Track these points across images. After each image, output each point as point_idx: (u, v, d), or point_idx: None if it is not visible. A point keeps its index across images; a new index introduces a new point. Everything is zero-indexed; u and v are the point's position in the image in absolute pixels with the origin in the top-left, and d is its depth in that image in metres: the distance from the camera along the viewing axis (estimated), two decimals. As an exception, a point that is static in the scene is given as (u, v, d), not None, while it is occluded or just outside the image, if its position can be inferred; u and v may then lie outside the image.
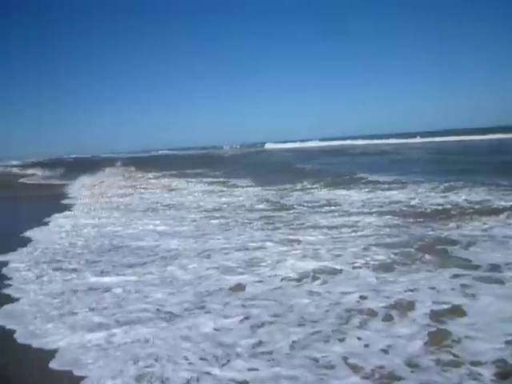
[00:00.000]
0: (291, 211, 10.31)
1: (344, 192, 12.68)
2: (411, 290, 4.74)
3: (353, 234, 7.58)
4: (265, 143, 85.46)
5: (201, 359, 3.45)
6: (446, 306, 4.25)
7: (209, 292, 5.05)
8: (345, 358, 3.39)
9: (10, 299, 5.03)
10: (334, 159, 30.79)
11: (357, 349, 3.53)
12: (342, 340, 3.69)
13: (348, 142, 68.60)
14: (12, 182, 26.36)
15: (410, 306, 4.35)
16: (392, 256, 6.06)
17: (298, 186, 14.81)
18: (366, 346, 3.58)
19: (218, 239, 7.65)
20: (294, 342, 3.67)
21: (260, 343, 3.68)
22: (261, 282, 5.33)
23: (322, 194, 12.89)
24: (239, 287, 5.19)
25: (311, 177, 16.26)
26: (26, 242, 8.08)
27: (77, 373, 3.37)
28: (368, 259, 6.01)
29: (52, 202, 14.64)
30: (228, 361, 3.41)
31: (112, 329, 4.06)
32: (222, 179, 19.89)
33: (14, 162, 74.51)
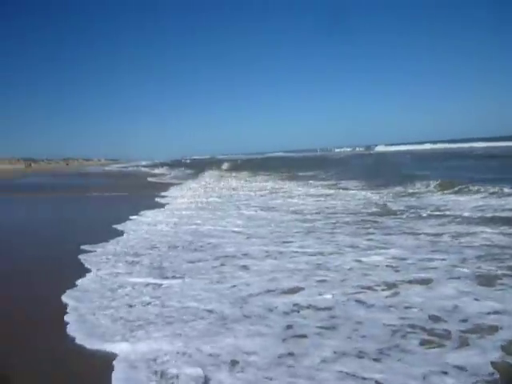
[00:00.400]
0: (394, 216, 9.76)
1: (454, 197, 11.72)
2: (499, 313, 4.06)
3: (456, 243, 6.90)
4: (376, 145, 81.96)
5: (218, 364, 3.30)
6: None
7: (259, 294, 4.86)
8: (371, 380, 3.00)
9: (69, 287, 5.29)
10: (450, 163, 28.33)
11: (392, 372, 3.09)
12: (378, 360, 3.27)
13: (468, 144, 62.39)
14: (141, 182, 28.59)
15: (487, 331, 3.71)
16: (497, 271, 5.31)
17: (408, 190, 13.97)
18: (405, 370, 3.11)
19: (297, 242, 7.40)
20: (326, 357, 3.34)
21: (289, 354, 3.40)
22: (321, 288, 4.98)
23: (432, 199, 12.02)
24: (294, 292, 4.91)
25: (422, 180, 15.15)
26: (116, 234, 8.68)
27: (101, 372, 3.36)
28: (465, 271, 5.35)
29: (156, 198, 15.55)
30: (243, 368, 3.22)
31: (136, 328, 4.05)
32: (331, 181, 19.56)
33: (143, 163, 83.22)
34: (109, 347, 3.64)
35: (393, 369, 3.12)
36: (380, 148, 76.00)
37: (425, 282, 5.04)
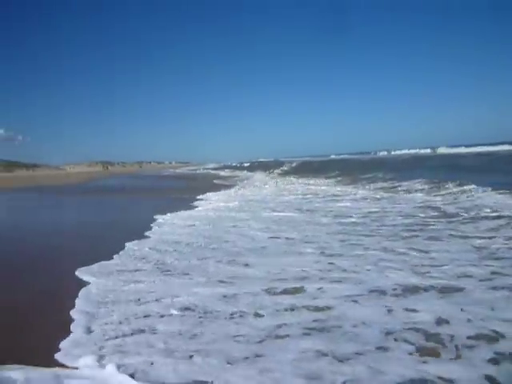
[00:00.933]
0: (447, 219, 9.07)
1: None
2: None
3: (504, 246, 6.28)
4: (437, 147, 76.89)
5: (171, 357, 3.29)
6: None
7: (256, 293, 4.73)
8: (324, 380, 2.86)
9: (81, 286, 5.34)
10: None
11: (361, 375, 2.91)
12: (346, 362, 3.09)
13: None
14: (207, 184, 28.77)
15: (494, 339, 3.37)
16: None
17: (466, 193, 13.07)
18: (373, 375, 2.92)
19: (319, 243, 7.14)
20: (291, 358, 3.18)
21: (259, 355, 3.26)
22: (325, 290, 4.74)
23: (487, 200, 11.08)
24: (293, 292, 4.74)
25: (481, 183, 14.06)
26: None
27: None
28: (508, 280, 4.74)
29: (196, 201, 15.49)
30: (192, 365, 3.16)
31: (125, 322, 4.04)
32: (391, 184, 18.61)
33: (211, 165, 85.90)
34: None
35: (358, 373, 2.94)
36: (442, 150, 71.40)
37: (451, 289, 4.60)
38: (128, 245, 7.37)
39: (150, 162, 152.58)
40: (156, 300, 4.58)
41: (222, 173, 49.61)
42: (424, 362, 3.07)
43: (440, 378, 2.87)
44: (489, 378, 2.84)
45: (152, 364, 3.16)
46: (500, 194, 11.90)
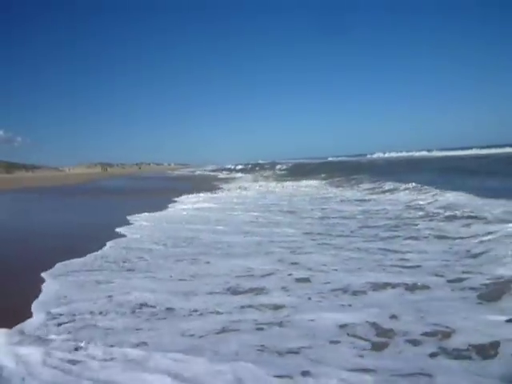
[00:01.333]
0: (429, 218, 9.08)
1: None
2: (466, 319, 3.66)
3: (483, 246, 6.10)
4: (433, 149, 75.66)
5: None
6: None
7: (218, 290, 4.70)
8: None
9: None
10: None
11: (299, 368, 2.91)
12: (295, 355, 3.10)
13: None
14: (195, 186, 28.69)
15: (443, 335, 3.36)
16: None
17: (446, 194, 12.91)
18: (314, 367, 2.91)
19: (288, 245, 7.02)
20: (235, 352, 3.17)
21: (198, 349, 3.25)
22: (287, 289, 4.69)
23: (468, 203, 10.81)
24: (253, 291, 4.67)
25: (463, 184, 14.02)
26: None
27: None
28: (476, 279, 4.65)
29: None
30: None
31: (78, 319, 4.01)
32: (376, 185, 18.45)
33: (209, 167, 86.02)
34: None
35: (295, 365, 2.92)
36: (437, 152, 70.25)
37: (414, 287, 4.58)
38: (108, 243, 7.33)
39: (149, 164, 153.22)
40: (110, 297, 4.53)
41: (219, 175, 49.77)
42: (367, 356, 3.07)
43: (379, 369, 2.87)
44: (423, 369, 2.86)
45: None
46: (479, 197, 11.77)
